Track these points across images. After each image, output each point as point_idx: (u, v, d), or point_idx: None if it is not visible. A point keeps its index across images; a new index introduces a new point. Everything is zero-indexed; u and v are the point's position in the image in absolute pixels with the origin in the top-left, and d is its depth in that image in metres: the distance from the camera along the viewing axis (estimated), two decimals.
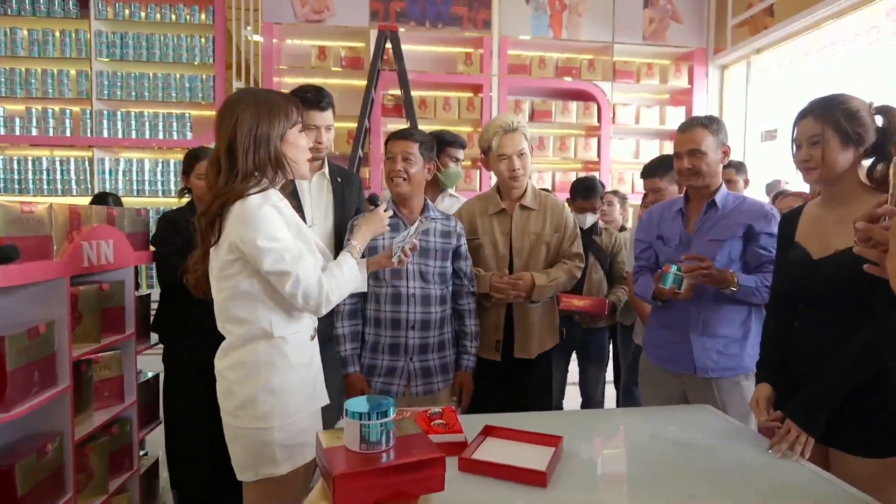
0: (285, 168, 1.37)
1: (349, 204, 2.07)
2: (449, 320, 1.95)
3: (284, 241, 1.29)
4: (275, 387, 1.33)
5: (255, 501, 1.38)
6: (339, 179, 2.06)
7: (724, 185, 1.81)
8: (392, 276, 1.85)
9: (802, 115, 1.39)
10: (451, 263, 1.94)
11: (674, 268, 1.63)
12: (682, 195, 1.89)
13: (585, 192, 2.78)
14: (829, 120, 1.33)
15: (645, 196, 2.53)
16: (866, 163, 1.35)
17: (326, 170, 2.03)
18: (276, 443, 1.32)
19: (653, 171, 2.39)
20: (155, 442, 2.46)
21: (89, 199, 4.29)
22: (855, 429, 1.30)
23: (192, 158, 2.21)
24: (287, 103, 1.37)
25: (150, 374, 2.30)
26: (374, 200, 1.69)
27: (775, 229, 1.67)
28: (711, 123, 1.75)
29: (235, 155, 1.30)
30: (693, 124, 1.77)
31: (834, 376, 1.29)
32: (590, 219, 2.76)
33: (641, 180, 2.52)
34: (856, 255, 1.25)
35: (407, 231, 1.63)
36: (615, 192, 3.38)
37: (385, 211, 1.62)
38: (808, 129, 1.37)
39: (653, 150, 4.94)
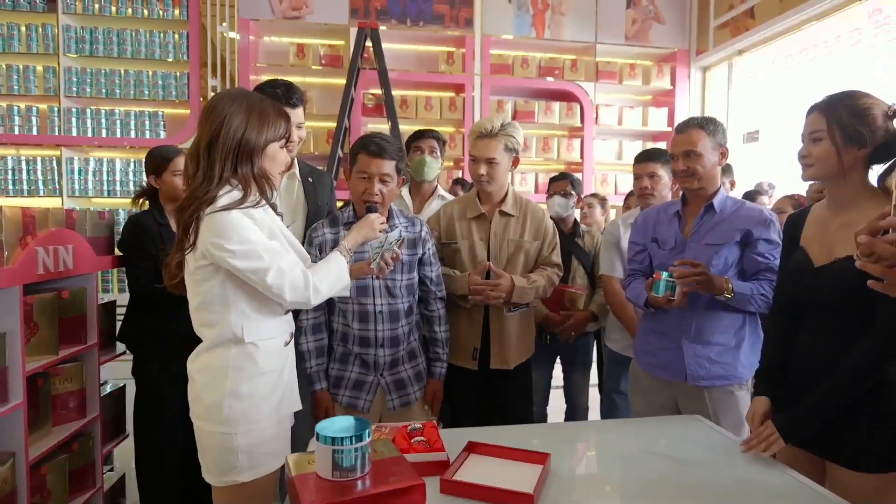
0: (269, 185, 1.34)
1: (321, 205, 1.98)
2: (416, 327, 1.88)
3: (258, 242, 1.26)
4: (242, 392, 1.30)
5: None
6: (310, 179, 1.97)
7: (723, 188, 1.75)
8: (358, 294, 1.75)
9: (811, 110, 1.34)
10: (416, 273, 1.85)
11: (665, 274, 1.57)
12: (678, 198, 1.83)
13: (556, 177, 2.76)
14: (832, 116, 1.27)
15: (638, 179, 2.35)
16: (878, 168, 1.29)
17: (297, 170, 1.94)
18: (239, 449, 1.30)
19: (656, 155, 2.29)
20: (122, 457, 2.35)
21: (59, 200, 4.15)
22: (853, 443, 1.25)
23: (163, 158, 2.10)
24: (279, 116, 1.34)
25: (115, 386, 2.18)
26: (371, 210, 1.65)
27: (774, 235, 1.62)
28: (708, 124, 1.70)
29: (214, 155, 1.26)
30: (689, 125, 1.72)
31: (827, 390, 1.25)
32: (558, 201, 2.66)
33: (634, 165, 2.37)
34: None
35: (385, 237, 1.56)
36: (595, 195, 3.33)
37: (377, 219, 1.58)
38: (811, 124, 1.32)
39: (635, 151, 4.89)
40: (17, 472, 1.50)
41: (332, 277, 1.39)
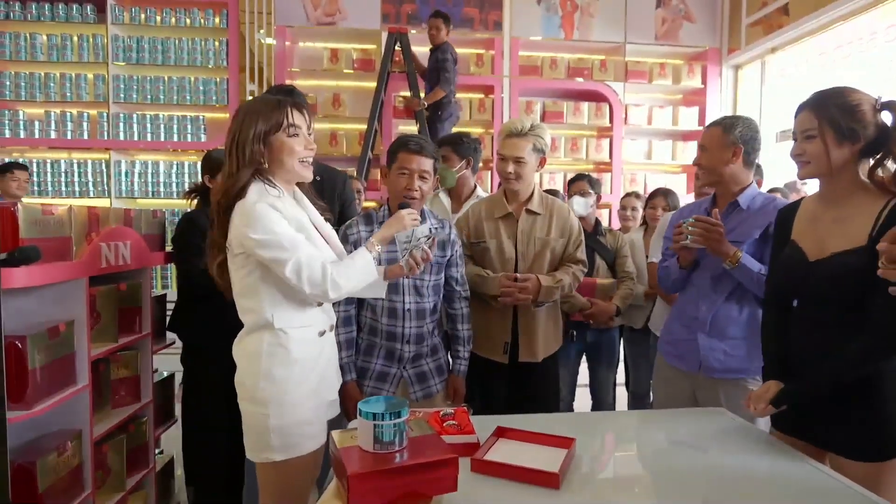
0: (286, 172, 1.44)
1: (326, 202, 2.05)
2: (439, 324, 1.95)
3: (282, 233, 1.34)
4: (275, 376, 1.39)
5: (263, 481, 1.45)
6: (317, 178, 2.05)
7: (753, 185, 1.77)
8: (388, 291, 1.75)
9: (800, 109, 1.37)
10: (443, 274, 1.92)
11: (690, 219, 1.63)
12: (710, 195, 1.88)
13: (574, 178, 2.87)
14: (823, 114, 1.30)
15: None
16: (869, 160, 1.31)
17: None
18: (271, 429, 1.38)
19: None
20: (170, 441, 2.49)
21: (107, 200, 4.39)
22: (850, 433, 1.30)
23: (221, 161, 2.22)
24: (272, 109, 1.40)
25: (165, 374, 2.33)
26: (404, 207, 1.70)
27: None
28: (730, 123, 1.73)
29: (233, 151, 1.39)
30: (712, 123, 1.78)
31: (820, 376, 1.31)
32: (577, 201, 2.69)
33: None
34: (852, 259, 1.26)
35: (412, 233, 1.56)
36: (637, 195, 3.30)
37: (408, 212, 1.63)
38: (802, 122, 1.35)
39: (665, 150, 4.92)
40: (83, 448, 1.64)
41: (353, 272, 1.41)
